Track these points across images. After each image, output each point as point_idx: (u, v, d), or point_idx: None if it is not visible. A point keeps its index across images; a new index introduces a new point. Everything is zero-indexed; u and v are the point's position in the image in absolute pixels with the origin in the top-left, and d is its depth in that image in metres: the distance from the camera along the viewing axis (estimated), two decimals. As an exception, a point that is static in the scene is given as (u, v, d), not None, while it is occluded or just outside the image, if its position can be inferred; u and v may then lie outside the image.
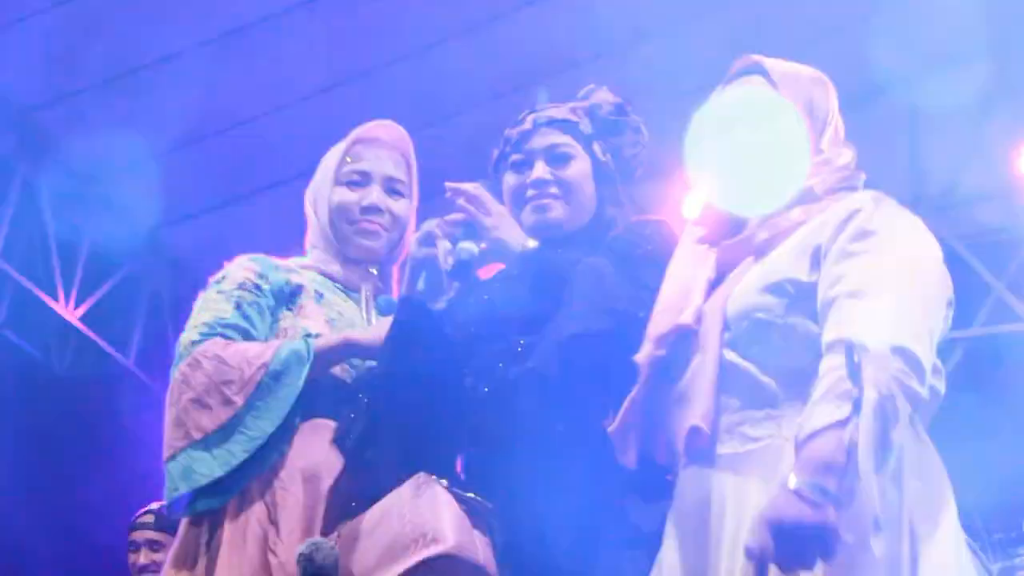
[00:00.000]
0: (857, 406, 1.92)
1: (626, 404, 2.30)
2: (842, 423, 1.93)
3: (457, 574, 2.36)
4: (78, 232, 6.77)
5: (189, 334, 2.59)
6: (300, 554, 2.39)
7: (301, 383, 2.51)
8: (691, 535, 2.21)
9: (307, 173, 2.90)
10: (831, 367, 2.02)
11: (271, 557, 2.47)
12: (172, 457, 2.48)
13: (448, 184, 2.68)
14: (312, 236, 2.86)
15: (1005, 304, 6.69)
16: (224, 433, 2.46)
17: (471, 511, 2.42)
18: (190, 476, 2.45)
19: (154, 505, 4.67)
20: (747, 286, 2.24)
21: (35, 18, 5.66)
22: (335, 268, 2.79)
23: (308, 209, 2.86)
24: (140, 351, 7.15)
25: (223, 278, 2.70)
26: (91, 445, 6.82)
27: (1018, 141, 6.63)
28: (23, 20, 5.65)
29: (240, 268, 2.70)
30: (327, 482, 2.55)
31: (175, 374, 2.56)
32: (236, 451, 2.46)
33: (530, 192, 2.72)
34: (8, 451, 6.35)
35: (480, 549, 2.40)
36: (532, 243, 2.61)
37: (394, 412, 2.49)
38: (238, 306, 2.61)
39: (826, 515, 1.91)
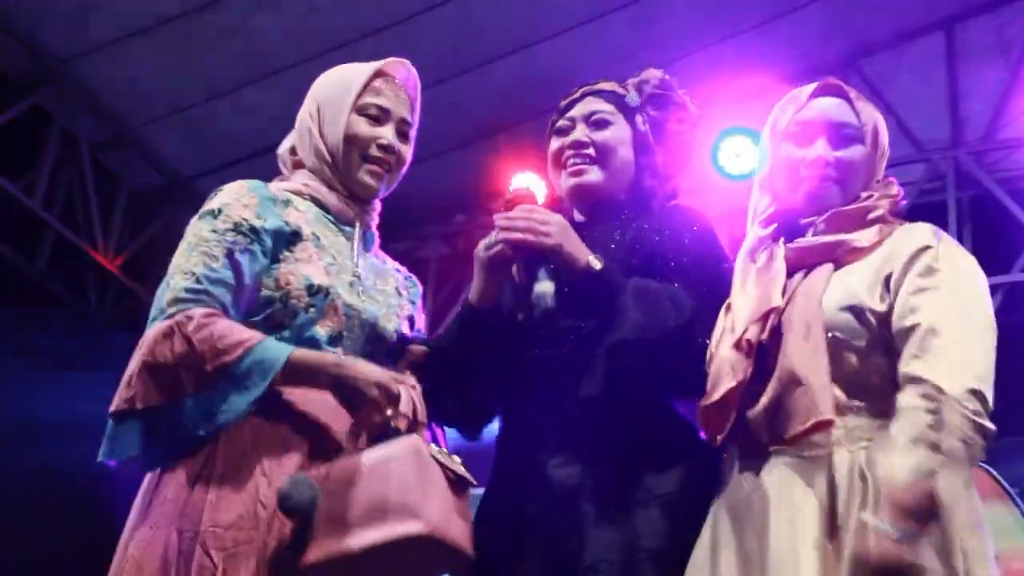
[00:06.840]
0: (944, 452, 2.23)
1: (733, 384, 2.44)
2: (931, 474, 2.21)
3: (429, 552, 2.36)
4: (117, 181, 6.81)
5: (175, 290, 2.51)
6: (279, 490, 2.37)
7: (260, 392, 2.42)
8: (741, 519, 2.43)
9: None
10: (912, 406, 2.28)
11: (260, 509, 2.43)
12: (126, 413, 2.44)
13: (499, 219, 2.64)
14: (306, 156, 2.79)
15: (1045, 249, 6.63)
16: (201, 396, 2.42)
17: (460, 485, 2.43)
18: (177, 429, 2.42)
19: None
20: (828, 303, 2.43)
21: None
22: (331, 200, 2.74)
23: (309, 124, 2.78)
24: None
25: (219, 211, 2.62)
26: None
27: (1058, 84, 6.56)
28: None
29: (238, 204, 2.63)
30: (323, 416, 2.53)
31: (156, 327, 2.47)
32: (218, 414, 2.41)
33: (568, 153, 2.83)
34: (50, 398, 6.42)
35: (457, 529, 2.39)
36: (594, 261, 2.60)
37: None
38: (229, 254, 2.55)
39: (913, 552, 2.18)
